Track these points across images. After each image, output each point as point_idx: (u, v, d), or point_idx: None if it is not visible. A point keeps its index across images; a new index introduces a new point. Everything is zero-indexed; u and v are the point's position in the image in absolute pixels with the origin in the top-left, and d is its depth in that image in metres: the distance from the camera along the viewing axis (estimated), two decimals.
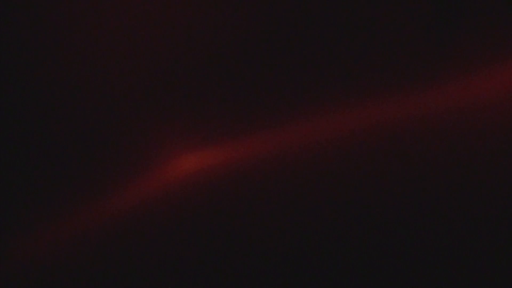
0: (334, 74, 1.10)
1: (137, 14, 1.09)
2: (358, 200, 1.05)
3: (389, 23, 1.09)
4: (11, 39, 1.09)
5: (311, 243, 1.03)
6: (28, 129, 1.10)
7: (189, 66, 1.11)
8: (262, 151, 1.10)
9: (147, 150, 1.12)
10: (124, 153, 1.11)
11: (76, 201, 1.10)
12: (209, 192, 1.08)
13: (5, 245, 1.10)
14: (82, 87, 1.10)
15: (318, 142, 1.09)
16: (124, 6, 1.09)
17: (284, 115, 1.11)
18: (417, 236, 1.00)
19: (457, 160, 1.05)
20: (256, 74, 1.10)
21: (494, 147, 1.04)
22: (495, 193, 1.01)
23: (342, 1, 1.09)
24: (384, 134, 1.08)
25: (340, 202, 1.05)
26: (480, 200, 1.01)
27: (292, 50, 1.10)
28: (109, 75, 1.11)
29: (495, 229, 0.99)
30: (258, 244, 1.05)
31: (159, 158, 1.11)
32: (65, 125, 1.10)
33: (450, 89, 1.09)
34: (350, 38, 1.09)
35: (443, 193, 1.03)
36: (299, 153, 1.09)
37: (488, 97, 1.07)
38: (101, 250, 1.07)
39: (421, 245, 1.00)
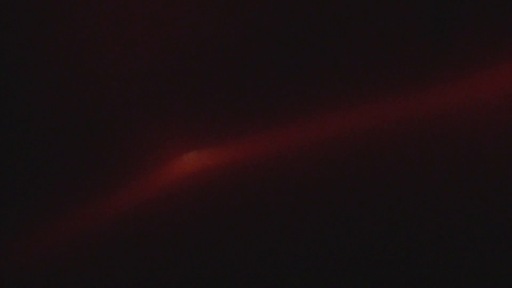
0: (334, 74, 1.10)
1: (136, 14, 1.09)
2: (358, 200, 1.05)
3: (388, 23, 1.08)
4: (8, 40, 1.09)
5: (313, 244, 1.03)
6: (27, 129, 1.10)
7: (189, 66, 1.11)
8: (263, 152, 1.10)
9: (147, 150, 1.12)
10: (123, 153, 1.11)
11: (76, 202, 1.10)
12: (209, 192, 1.08)
13: (5, 245, 1.10)
14: (81, 87, 1.10)
15: (319, 142, 1.09)
16: (122, 6, 1.09)
17: (285, 116, 1.11)
18: (417, 237, 1.00)
19: (457, 161, 1.04)
20: (257, 74, 1.10)
21: (495, 148, 1.04)
22: (495, 193, 1.01)
23: (342, 1, 1.09)
24: (383, 135, 1.08)
25: (341, 202, 1.05)
26: (481, 200, 1.01)
27: (292, 51, 1.10)
28: (108, 75, 1.10)
29: (495, 229, 0.99)
30: (259, 245, 1.05)
31: (159, 159, 1.11)
32: (64, 125, 1.10)
33: (450, 90, 1.09)
34: (349, 38, 1.09)
35: (443, 194, 1.03)
36: (301, 153, 1.09)
37: (489, 98, 1.07)
38: (101, 251, 1.07)
39: (422, 245, 1.00)
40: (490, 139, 1.05)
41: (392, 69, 1.09)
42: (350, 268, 0.99)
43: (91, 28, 1.09)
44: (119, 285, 1.06)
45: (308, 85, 1.10)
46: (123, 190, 1.10)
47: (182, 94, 1.11)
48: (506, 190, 1.01)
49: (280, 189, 1.07)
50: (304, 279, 1.02)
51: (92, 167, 1.11)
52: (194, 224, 1.07)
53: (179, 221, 1.07)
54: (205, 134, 1.11)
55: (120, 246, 1.07)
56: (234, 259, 1.04)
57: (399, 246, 0.99)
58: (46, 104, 1.09)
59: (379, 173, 1.05)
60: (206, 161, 1.10)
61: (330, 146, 1.08)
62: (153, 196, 1.09)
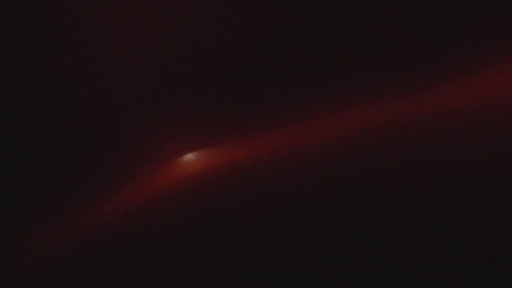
0: (334, 74, 1.10)
1: (138, 13, 1.09)
2: (360, 199, 1.05)
3: (388, 23, 1.09)
4: (9, 39, 1.09)
5: (315, 246, 1.03)
6: (28, 129, 1.10)
7: (192, 65, 1.11)
8: (264, 152, 1.10)
9: (149, 150, 1.12)
10: (125, 153, 1.11)
11: (76, 202, 1.10)
12: (210, 193, 1.08)
13: (5, 245, 1.10)
14: (82, 86, 1.10)
15: (319, 142, 1.09)
16: (123, 6, 1.09)
17: (285, 116, 1.11)
18: (418, 238, 1.00)
19: (457, 161, 1.04)
20: (257, 75, 1.10)
21: (495, 147, 1.04)
22: (495, 194, 1.01)
23: (342, 2, 1.09)
24: (383, 135, 1.08)
25: (341, 203, 1.05)
26: (481, 201, 1.01)
27: (294, 51, 1.10)
28: (109, 74, 1.10)
29: (496, 230, 0.99)
30: (259, 245, 1.05)
31: (159, 160, 1.11)
32: (65, 125, 1.10)
33: (449, 90, 1.09)
34: (349, 38, 1.09)
35: (443, 194, 1.03)
36: (301, 154, 1.09)
37: (488, 98, 1.07)
38: (101, 251, 1.07)
39: (422, 246, 1.00)
40: (490, 138, 1.05)
41: (392, 69, 1.09)
42: (353, 267, 0.99)
43: (91, 29, 1.09)
44: (119, 285, 1.06)
45: (308, 85, 1.10)
46: (123, 191, 1.10)
47: (182, 95, 1.11)
48: (506, 190, 1.01)
49: (280, 190, 1.07)
50: (306, 278, 1.01)
51: (92, 167, 1.11)
52: (195, 225, 1.07)
53: (180, 222, 1.07)
54: (205, 135, 1.12)
55: (120, 246, 1.07)
56: (233, 259, 1.04)
57: (399, 245, 0.99)
58: (46, 105, 1.10)
59: (380, 172, 1.05)
60: (206, 162, 1.11)
61: (329, 146, 1.08)
62: (153, 196, 1.09)
